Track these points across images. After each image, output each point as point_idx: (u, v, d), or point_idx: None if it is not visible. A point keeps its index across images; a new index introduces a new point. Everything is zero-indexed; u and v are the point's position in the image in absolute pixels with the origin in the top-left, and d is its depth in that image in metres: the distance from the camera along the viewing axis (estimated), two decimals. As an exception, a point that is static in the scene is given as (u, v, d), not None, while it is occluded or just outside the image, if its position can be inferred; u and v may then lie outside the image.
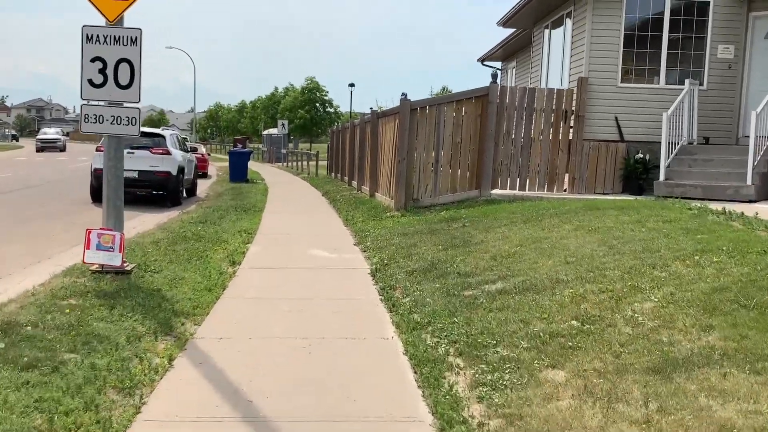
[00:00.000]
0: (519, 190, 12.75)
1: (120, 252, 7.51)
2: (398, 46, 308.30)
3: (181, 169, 16.56)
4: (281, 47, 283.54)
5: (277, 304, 6.51)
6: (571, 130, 12.76)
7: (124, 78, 7.56)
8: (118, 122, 7.62)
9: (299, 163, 36.17)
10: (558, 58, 14.57)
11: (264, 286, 7.33)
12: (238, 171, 23.95)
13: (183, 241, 9.88)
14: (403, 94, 13.39)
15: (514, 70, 21.97)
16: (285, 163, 41.74)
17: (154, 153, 15.86)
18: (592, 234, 7.84)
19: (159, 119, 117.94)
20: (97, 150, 15.50)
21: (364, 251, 9.53)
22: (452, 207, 12.22)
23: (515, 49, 21.52)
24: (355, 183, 19.93)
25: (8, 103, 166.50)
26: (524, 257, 7.25)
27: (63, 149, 53.84)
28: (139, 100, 7.64)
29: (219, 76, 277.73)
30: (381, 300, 6.66)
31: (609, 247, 7.11)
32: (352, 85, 51.61)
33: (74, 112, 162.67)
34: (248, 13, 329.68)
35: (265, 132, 56.45)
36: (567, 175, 12.79)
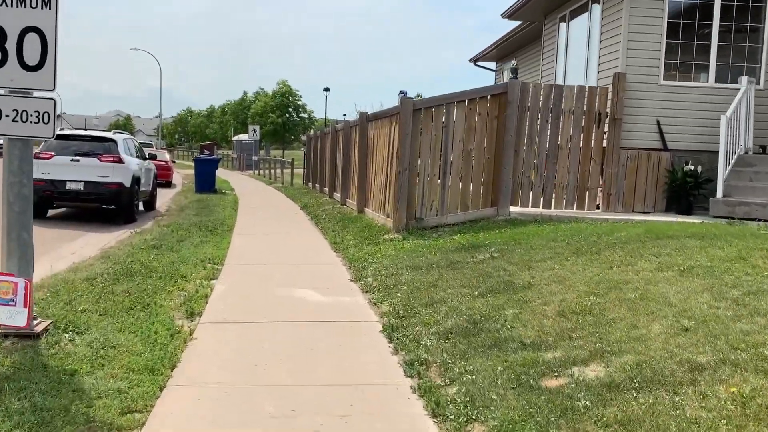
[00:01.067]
0: (543, 207, 10.62)
1: (25, 306, 5.21)
2: (374, 53, 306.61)
3: (136, 180, 14.15)
4: (255, 53, 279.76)
5: (254, 400, 4.23)
6: (605, 136, 10.67)
7: (32, 55, 5.25)
8: (24, 119, 5.30)
9: (271, 171, 33.79)
10: (580, 52, 12.49)
11: (234, 359, 5.03)
12: (205, 180, 21.54)
13: (127, 278, 7.55)
14: (401, 92, 11.38)
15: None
16: (256, 171, 39.29)
17: (103, 161, 13.43)
18: (688, 277, 5.69)
19: (125, 125, 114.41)
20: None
21: (366, 291, 7.28)
22: (465, 229, 10.04)
23: (514, 47, 19.49)
24: (338, 195, 17.66)
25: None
26: (610, 315, 5.07)
27: None
28: (54, 87, 5.33)
29: (191, 84, 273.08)
30: (413, 390, 4.41)
31: (732, 300, 4.97)
32: (327, 89, 49.28)
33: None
34: (221, 18, 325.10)
35: (235, 138, 53.78)
36: (600, 190, 10.70)
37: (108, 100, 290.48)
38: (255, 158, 40.98)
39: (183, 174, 34.73)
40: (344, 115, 67.59)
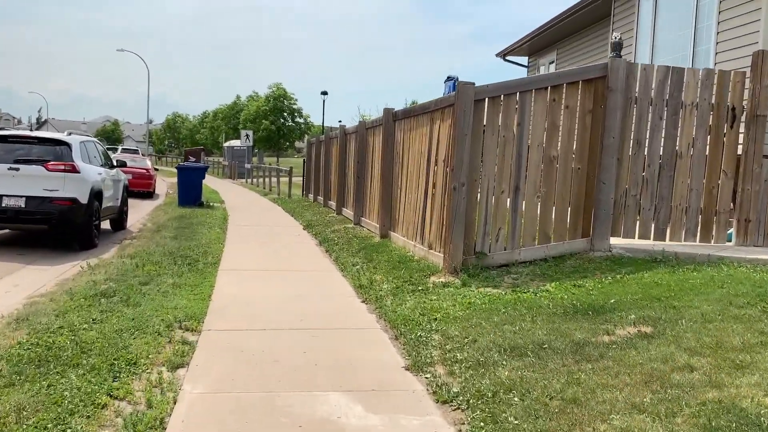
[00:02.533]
0: (654, 238, 7.60)
1: None
2: (369, 60, 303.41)
3: (96, 194, 11.04)
4: (251, 59, 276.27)
5: None
6: (741, 140, 7.67)
7: None
8: None
9: (265, 180, 30.68)
10: (679, 26, 9.49)
11: None
12: (189, 192, 18.42)
13: (34, 370, 4.49)
14: (450, 78, 8.46)
15: (553, 65, 16.92)
16: (249, 180, 36.15)
17: (51, 170, 10.33)
18: None
19: (112, 130, 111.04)
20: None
21: (444, 402, 4.21)
22: (549, 270, 7.04)
23: (554, 38, 16.51)
24: (348, 212, 14.59)
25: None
26: None
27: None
28: None
29: (185, 90, 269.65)
30: None
31: None
32: (324, 93, 46.16)
33: (20, 122, 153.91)
34: (214, 24, 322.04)
35: (226, 144, 50.49)
36: (732, 215, 7.68)
37: (99, 105, 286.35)
38: (248, 166, 37.78)
39: (169, 183, 31.54)
40: (339, 121, 64.54)
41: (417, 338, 5.39)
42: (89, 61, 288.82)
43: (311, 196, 21.50)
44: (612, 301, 5.55)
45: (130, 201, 21.75)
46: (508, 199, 7.46)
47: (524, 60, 19.16)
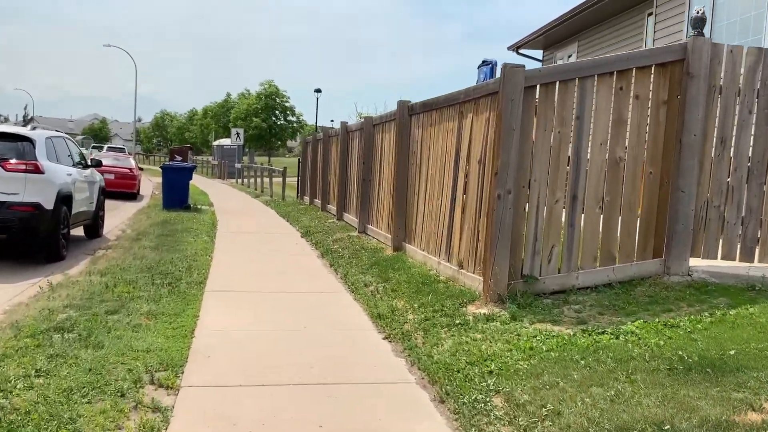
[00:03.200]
0: (740, 259, 6.20)
1: None
2: (362, 59, 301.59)
3: (64, 198, 9.57)
4: (243, 57, 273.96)
5: None
6: None
7: None
8: None
9: (257, 181, 29.18)
10: (744, 5, 8.12)
11: None
12: (175, 194, 16.90)
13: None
14: (486, 61, 7.21)
15: (573, 58, 15.55)
16: (240, 180, 34.63)
17: (10, 170, 8.85)
18: None
19: (100, 128, 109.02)
20: None
21: None
22: (618, 299, 5.66)
23: (575, 29, 15.15)
24: (351, 218, 13.16)
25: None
26: None
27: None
28: None
29: (176, 88, 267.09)
30: None
31: None
32: (318, 90, 44.67)
33: (7, 119, 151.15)
34: (207, 21, 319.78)
35: (216, 143, 48.85)
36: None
37: (87, 103, 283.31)
38: (238, 165, 36.21)
39: (155, 183, 29.93)
40: (332, 121, 63.08)
41: (472, 404, 3.96)
42: (78, 58, 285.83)
43: (307, 198, 20.05)
44: (731, 352, 4.16)
45: (112, 203, 20.31)
46: (564, 211, 6.06)
47: (538, 54, 17.80)
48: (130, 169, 22.22)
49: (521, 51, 17.65)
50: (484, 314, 5.61)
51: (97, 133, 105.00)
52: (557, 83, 5.98)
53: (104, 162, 23.16)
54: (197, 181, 36.61)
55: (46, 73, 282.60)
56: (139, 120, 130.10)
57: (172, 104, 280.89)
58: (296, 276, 8.47)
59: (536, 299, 5.84)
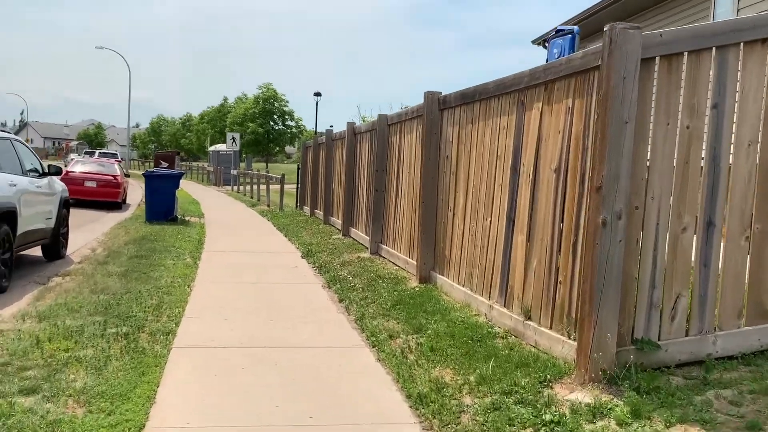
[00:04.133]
0: None
1: None
2: (357, 67, 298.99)
3: (5, 215, 7.60)
4: (242, 64, 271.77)
5: None
6: None
7: None
8: None
9: (253, 188, 27.20)
10: None
11: None
12: (160, 204, 14.93)
13: None
14: (559, 29, 5.46)
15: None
16: (235, 188, 32.67)
17: (-71, 179, 6.88)
18: None
19: (95, 134, 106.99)
20: None
21: None
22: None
23: (616, 17, 13.19)
24: (360, 234, 11.20)
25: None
26: None
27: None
28: None
29: (175, 94, 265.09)
30: None
31: None
32: (318, 94, 42.63)
33: (5, 125, 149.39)
34: (204, 27, 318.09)
35: (212, 148, 46.73)
36: None
37: (86, 108, 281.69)
38: (233, 172, 34.20)
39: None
40: (330, 126, 61.14)
41: None
42: (78, 65, 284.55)
43: (307, 209, 18.07)
44: None
45: (92, 213, 18.31)
46: (694, 242, 4.11)
47: (568, 47, 15.84)
48: (114, 176, 20.22)
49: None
50: (587, 405, 3.65)
51: (93, 139, 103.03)
52: (684, 55, 4.03)
53: (86, 169, 21.35)
54: (191, 189, 34.65)
55: (44, 79, 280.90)
56: (137, 125, 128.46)
57: (171, 111, 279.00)
58: (297, 320, 6.48)
59: (659, 377, 3.89)
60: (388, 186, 9.55)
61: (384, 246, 9.55)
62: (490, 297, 5.74)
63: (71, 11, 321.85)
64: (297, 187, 21.41)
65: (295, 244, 12.23)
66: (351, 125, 12.33)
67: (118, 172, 20.77)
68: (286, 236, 13.51)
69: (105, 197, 19.72)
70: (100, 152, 50.87)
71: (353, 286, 7.74)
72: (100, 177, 19.89)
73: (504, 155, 5.67)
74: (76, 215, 17.79)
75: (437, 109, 7.28)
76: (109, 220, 16.53)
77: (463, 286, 6.36)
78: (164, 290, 7.40)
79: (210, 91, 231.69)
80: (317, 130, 42.04)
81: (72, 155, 60.57)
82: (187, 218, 16.61)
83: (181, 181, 16.96)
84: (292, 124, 55.99)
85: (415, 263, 7.58)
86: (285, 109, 54.96)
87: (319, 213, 16.04)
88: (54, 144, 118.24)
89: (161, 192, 15.08)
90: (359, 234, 11.34)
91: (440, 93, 7.29)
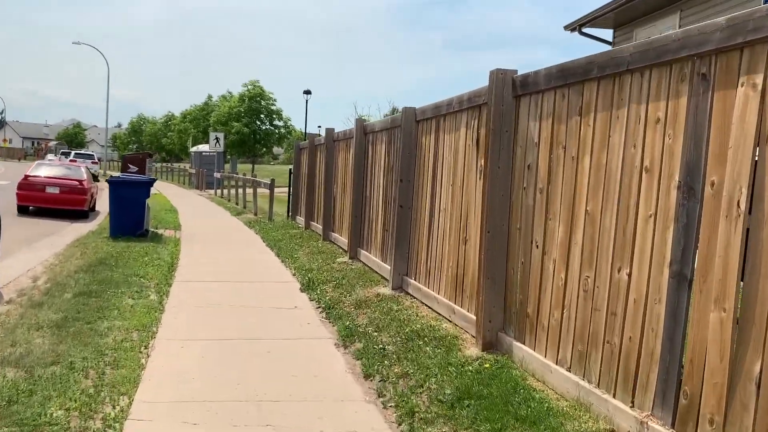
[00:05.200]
0: None
1: None
2: (343, 68, 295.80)
3: None
4: (230, 64, 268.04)
5: None
6: None
7: None
8: None
9: (238, 192, 24.76)
10: None
11: None
12: (127, 216, 12.51)
13: None
14: None
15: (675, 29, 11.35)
16: (219, 192, 30.18)
17: None
18: None
19: (75, 134, 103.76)
20: None
21: None
22: None
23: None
24: (376, 260, 8.85)
25: None
26: None
27: None
28: None
29: (160, 96, 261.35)
30: None
31: None
32: (308, 92, 40.22)
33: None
34: (191, 27, 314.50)
35: (194, 149, 44.07)
36: None
37: (67, 108, 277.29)
38: (217, 175, 31.71)
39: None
40: (319, 127, 58.76)
41: None
42: (59, 64, 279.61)
43: (301, 219, 15.70)
44: None
45: (52, 224, 15.77)
46: None
47: (608, 34, 13.63)
48: (79, 180, 17.71)
49: (585, 30, 13.49)
50: None
51: (73, 139, 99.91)
52: None
53: (48, 173, 18.86)
54: (170, 192, 31.99)
55: (25, 78, 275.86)
56: (119, 125, 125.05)
57: (155, 111, 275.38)
58: (306, 421, 4.13)
59: None
60: (418, 202, 7.24)
61: (412, 281, 7.24)
62: (634, 404, 3.44)
63: (53, 11, 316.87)
64: (289, 193, 19.03)
65: (291, 268, 9.89)
66: (360, 122, 9.99)
67: (85, 177, 18.25)
68: (278, 256, 11.16)
69: (69, 205, 17.24)
70: (75, 153, 48.17)
71: (381, 349, 5.42)
72: (63, 182, 17.40)
73: (659, 166, 3.38)
74: (32, 226, 15.33)
75: (510, 95, 4.96)
76: (70, 232, 14.07)
77: (570, 370, 4.06)
78: (109, 359, 5.06)
79: (197, 92, 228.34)
80: (306, 131, 39.62)
81: (49, 156, 57.76)
82: (160, 231, 14.20)
83: (152, 188, 14.55)
84: (280, 124, 53.32)
85: (474, 318, 5.26)
86: (272, 108, 52.25)
87: (317, 226, 13.70)
88: (33, 144, 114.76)
89: (129, 202, 12.65)
90: (373, 259, 9.02)
91: (515, 71, 4.98)
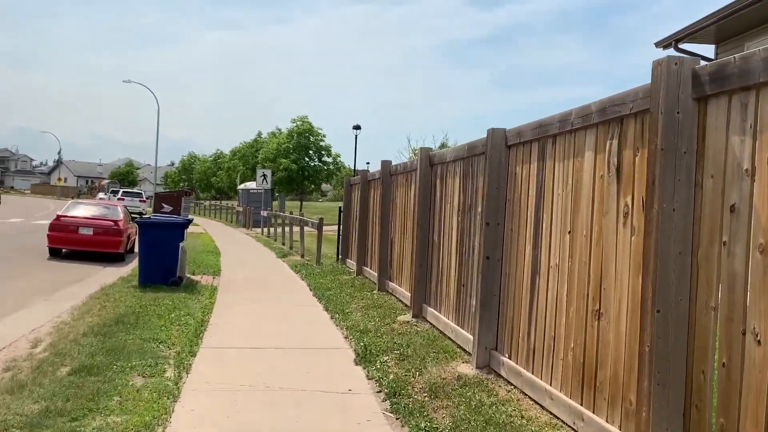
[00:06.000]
0: None
1: None
2: (388, 106, 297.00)
3: None
4: (280, 105, 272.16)
5: None
6: None
7: None
8: None
9: (285, 231, 23.25)
10: None
11: None
12: (158, 262, 11.03)
13: None
14: None
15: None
16: (266, 230, 28.77)
17: None
18: None
19: (127, 172, 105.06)
20: None
21: None
22: None
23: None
24: (447, 320, 7.04)
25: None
26: None
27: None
28: None
29: (212, 135, 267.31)
30: None
31: None
32: (357, 127, 38.93)
33: (45, 164, 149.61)
34: (242, 68, 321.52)
35: (241, 186, 43.17)
36: None
37: (121, 147, 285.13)
38: (264, 213, 30.37)
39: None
40: (367, 163, 57.43)
41: None
42: (114, 106, 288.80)
43: (352, 263, 14.00)
44: None
45: (84, 268, 14.42)
46: None
47: (710, 50, 11.72)
48: (114, 221, 16.41)
49: (682, 46, 11.63)
50: None
51: (125, 177, 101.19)
52: None
53: (82, 213, 17.66)
54: (216, 231, 30.72)
55: (81, 119, 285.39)
56: (172, 164, 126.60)
57: (206, 149, 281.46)
58: None
59: None
60: (511, 253, 5.45)
61: (507, 360, 5.42)
62: None
63: (108, 56, 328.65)
64: (338, 233, 17.42)
65: (343, 328, 8.16)
66: (426, 151, 8.29)
67: (121, 217, 16.96)
68: (327, 310, 9.47)
69: (103, 247, 15.95)
70: (123, 191, 47.86)
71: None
72: (97, 223, 16.14)
73: None
74: (61, 271, 13.98)
75: (690, 95, 3.19)
76: (97, 280, 12.62)
77: None
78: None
79: (247, 130, 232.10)
80: (356, 167, 38.25)
81: (101, 194, 57.81)
82: (197, 278, 12.70)
83: (191, 227, 13.10)
84: (329, 160, 52.09)
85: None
86: (321, 143, 51.13)
87: (370, 272, 11.99)
88: (87, 182, 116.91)
89: (160, 246, 11.17)
90: (444, 321, 7.23)
91: (697, 60, 3.21)
